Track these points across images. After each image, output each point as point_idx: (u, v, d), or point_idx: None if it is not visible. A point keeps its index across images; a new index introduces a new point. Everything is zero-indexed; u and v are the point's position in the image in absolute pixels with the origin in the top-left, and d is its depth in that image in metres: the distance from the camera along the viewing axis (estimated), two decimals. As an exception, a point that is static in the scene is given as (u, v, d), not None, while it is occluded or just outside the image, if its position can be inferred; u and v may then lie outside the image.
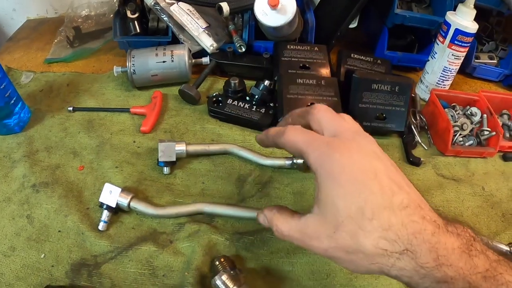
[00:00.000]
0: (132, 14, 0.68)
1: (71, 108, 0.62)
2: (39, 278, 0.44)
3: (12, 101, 0.59)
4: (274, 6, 0.56)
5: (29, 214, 0.50)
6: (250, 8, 0.62)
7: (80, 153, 0.57)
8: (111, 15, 0.76)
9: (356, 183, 0.25)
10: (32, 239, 0.48)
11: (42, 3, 0.85)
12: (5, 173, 0.56)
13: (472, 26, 0.61)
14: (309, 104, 0.56)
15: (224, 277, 0.40)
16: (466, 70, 0.75)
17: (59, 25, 0.79)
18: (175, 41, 0.66)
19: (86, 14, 0.77)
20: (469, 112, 0.65)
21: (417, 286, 0.24)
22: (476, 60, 0.74)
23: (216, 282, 0.40)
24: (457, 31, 0.61)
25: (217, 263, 0.44)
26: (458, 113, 0.64)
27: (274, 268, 0.46)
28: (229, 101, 0.59)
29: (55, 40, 0.75)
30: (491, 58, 0.75)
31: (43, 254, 0.46)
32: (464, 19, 0.61)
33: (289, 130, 0.31)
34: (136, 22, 0.68)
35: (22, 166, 0.56)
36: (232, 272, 0.42)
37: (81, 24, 0.77)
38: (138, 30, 0.68)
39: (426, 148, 0.61)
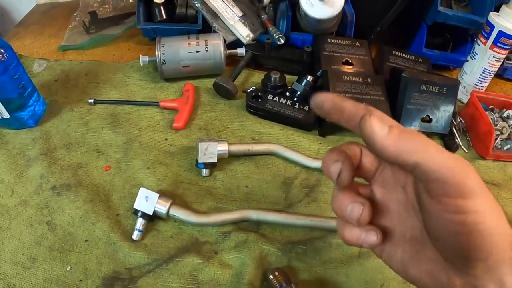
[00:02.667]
0: (159, -1, 0.58)
1: (92, 101, 0.53)
2: (65, 294, 0.37)
3: (27, 93, 0.50)
4: (323, -4, 0.49)
5: (49, 220, 0.42)
6: (292, -3, 0.54)
7: (105, 151, 0.49)
8: (130, 0, 0.67)
9: None
10: (54, 249, 0.40)
11: (52, -15, 0.74)
12: (19, 172, 0.47)
13: (515, 29, 0.55)
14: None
15: (289, 297, 0.33)
16: (497, 71, 0.70)
17: (72, 10, 0.68)
18: (205, 29, 0.58)
19: (103, -2, 0.67)
20: (505, 115, 0.60)
21: None
22: (507, 61, 0.69)
23: (281, 303, 0.33)
24: (501, 33, 0.56)
25: (271, 277, 0.37)
26: (496, 116, 0.59)
27: (329, 279, 0.40)
28: (270, 96, 0.52)
29: (70, 26, 0.65)
30: (521, 59, 0.70)
31: (69, 267, 0.39)
32: (508, 21, 0.56)
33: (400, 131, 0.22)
34: (162, 7, 0.59)
35: (39, 165, 0.47)
36: (292, 286, 0.35)
37: (97, 9, 0.67)
38: (164, 17, 0.59)
39: (466, 151, 0.56)
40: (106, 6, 0.67)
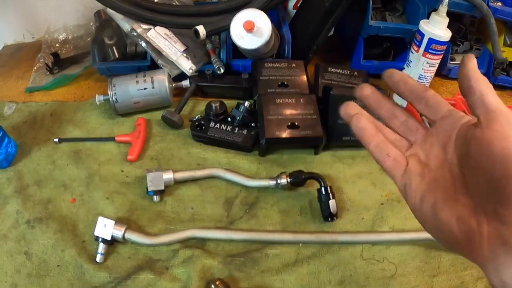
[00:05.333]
0: (110, 40, 0.69)
1: (57, 140, 0.64)
2: (43, 313, 0.48)
3: (-2, 138, 0.61)
4: (249, 30, 0.58)
5: (26, 250, 0.53)
6: (226, 29, 0.64)
7: (70, 186, 0.59)
8: (88, 38, 0.77)
9: None
10: (32, 275, 0.50)
11: (18, 28, 0.84)
12: (-2, 210, 0.58)
13: (445, 35, 0.62)
14: (289, 124, 0.59)
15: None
16: (441, 72, 0.78)
17: (37, 50, 0.79)
18: (155, 64, 0.68)
19: (63, 38, 0.78)
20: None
21: None
22: (451, 62, 0.78)
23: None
24: (431, 40, 0.63)
25: (212, 286, 0.47)
26: (435, 119, 0.68)
27: (266, 286, 0.50)
28: (212, 124, 0.62)
29: (35, 68, 0.76)
30: (464, 58, 0.78)
31: (45, 289, 0.49)
32: (437, 28, 0.62)
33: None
34: (114, 47, 0.69)
35: (14, 202, 0.58)
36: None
37: (59, 49, 0.77)
38: (117, 56, 0.69)
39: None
40: (67, 45, 0.77)
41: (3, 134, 0.62)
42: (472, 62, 0.28)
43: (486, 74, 0.76)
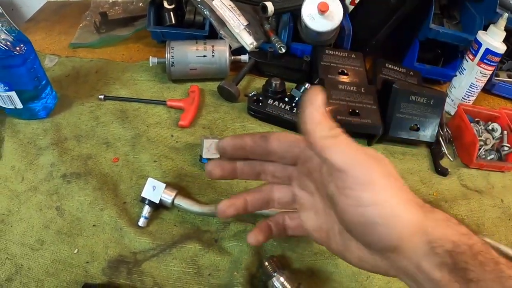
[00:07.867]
0: (169, 5, 0.66)
1: (102, 96, 0.60)
2: (72, 275, 0.42)
3: (41, 85, 0.56)
4: (323, 11, 0.56)
5: (58, 205, 0.48)
6: (293, 10, 0.62)
7: (113, 144, 0.55)
8: (140, 4, 0.74)
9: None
10: (63, 233, 0.45)
11: (65, -15, 0.81)
12: (30, 160, 0.52)
13: (501, 47, 0.64)
14: (350, 110, 0.57)
15: (282, 279, 0.40)
16: (485, 86, 0.78)
17: (82, 9, 0.75)
18: (212, 35, 0.65)
19: (113, 0, 0.74)
20: (490, 128, 0.68)
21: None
22: (495, 78, 0.78)
23: (275, 283, 0.40)
24: (487, 51, 0.64)
25: (266, 263, 0.43)
26: (481, 128, 0.67)
27: (318, 269, 0.46)
28: (270, 101, 0.59)
29: (81, 25, 0.72)
30: (509, 76, 0.79)
31: (76, 249, 0.44)
32: (494, 39, 0.64)
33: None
34: (172, 13, 0.66)
35: (49, 154, 0.53)
36: (285, 273, 0.42)
37: (107, 10, 0.74)
38: (174, 22, 0.66)
39: (452, 160, 0.64)
40: (116, 8, 0.74)
41: (46, 82, 0.57)
42: (316, 102, 0.25)
43: (526, 94, 0.76)
